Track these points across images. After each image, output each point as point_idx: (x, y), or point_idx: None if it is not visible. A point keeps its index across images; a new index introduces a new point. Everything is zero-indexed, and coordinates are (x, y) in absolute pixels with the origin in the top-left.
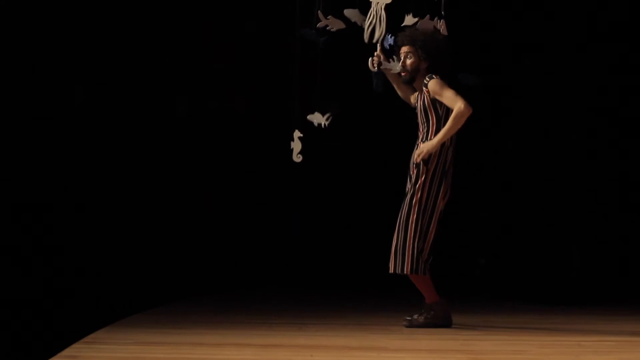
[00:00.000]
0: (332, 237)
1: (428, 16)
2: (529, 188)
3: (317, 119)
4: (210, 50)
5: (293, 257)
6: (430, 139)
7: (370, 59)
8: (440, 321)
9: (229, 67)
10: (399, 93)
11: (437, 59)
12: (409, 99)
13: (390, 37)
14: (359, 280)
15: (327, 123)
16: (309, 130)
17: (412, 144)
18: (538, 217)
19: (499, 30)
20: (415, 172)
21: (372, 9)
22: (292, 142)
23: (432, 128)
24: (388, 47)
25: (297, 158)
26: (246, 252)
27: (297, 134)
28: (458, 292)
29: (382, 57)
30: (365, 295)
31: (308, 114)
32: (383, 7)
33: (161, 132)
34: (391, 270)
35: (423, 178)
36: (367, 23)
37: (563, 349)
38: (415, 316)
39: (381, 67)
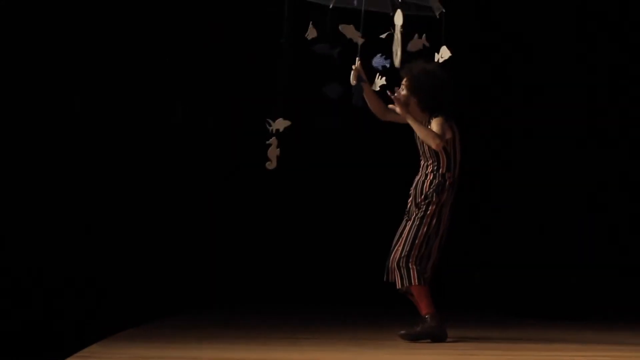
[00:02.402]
0: (328, 251)
1: (416, 35)
2: (526, 199)
3: (278, 125)
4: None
5: (288, 271)
6: (442, 174)
7: (352, 73)
8: (436, 334)
9: (224, 72)
10: (370, 107)
11: (427, 95)
12: (382, 115)
13: (381, 56)
14: (353, 295)
15: (281, 130)
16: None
17: (406, 158)
18: (533, 231)
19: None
20: (426, 201)
21: (396, 32)
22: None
23: (443, 165)
24: (380, 68)
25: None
26: (241, 267)
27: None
28: (453, 306)
29: (361, 71)
30: (360, 310)
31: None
32: (400, 30)
33: (156, 138)
34: (399, 286)
35: (433, 207)
36: (394, 49)
37: None
38: (410, 329)
39: (360, 82)
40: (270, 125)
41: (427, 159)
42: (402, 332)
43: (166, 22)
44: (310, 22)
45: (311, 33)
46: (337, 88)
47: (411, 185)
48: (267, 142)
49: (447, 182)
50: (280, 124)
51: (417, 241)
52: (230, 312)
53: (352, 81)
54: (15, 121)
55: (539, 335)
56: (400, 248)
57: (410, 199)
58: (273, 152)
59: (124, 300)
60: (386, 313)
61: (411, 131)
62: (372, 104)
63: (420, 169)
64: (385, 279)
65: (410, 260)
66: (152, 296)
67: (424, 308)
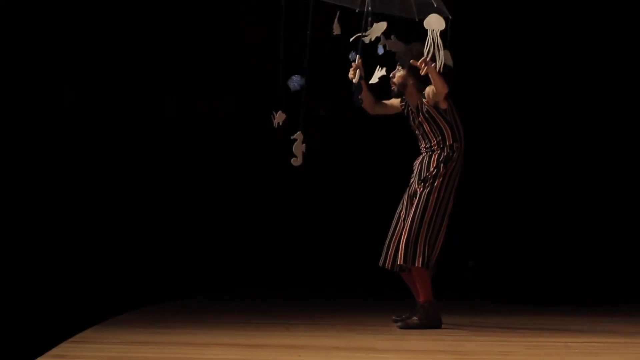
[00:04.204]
0: (320, 237)
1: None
2: (518, 189)
3: (279, 117)
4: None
5: (281, 257)
6: (449, 145)
7: (350, 70)
8: (432, 322)
9: (218, 68)
10: (366, 105)
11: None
12: (372, 109)
13: (355, 53)
14: (347, 281)
15: (280, 123)
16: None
17: (404, 146)
18: (527, 218)
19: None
20: (433, 173)
21: (428, 36)
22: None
23: (449, 136)
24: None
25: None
26: (234, 252)
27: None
28: (448, 293)
29: (361, 68)
30: (353, 296)
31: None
32: (438, 34)
33: (150, 132)
34: (400, 262)
35: (441, 179)
36: (425, 50)
37: (551, 350)
38: (405, 317)
39: (360, 80)
40: (274, 118)
41: (429, 137)
42: (399, 324)
43: (159, 13)
44: (336, 19)
45: (336, 29)
46: (298, 80)
47: (411, 172)
48: (292, 137)
49: (455, 153)
50: (280, 117)
51: (425, 218)
52: (223, 298)
53: (354, 79)
54: (7, 116)
55: (532, 322)
56: (408, 228)
57: (413, 180)
58: (298, 147)
59: (117, 286)
60: (380, 298)
61: (403, 121)
62: (367, 103)
63: (422, 152)
64: (381, 263)
65: (419, 241)
66: (144, 282)
67: (423, 294)
